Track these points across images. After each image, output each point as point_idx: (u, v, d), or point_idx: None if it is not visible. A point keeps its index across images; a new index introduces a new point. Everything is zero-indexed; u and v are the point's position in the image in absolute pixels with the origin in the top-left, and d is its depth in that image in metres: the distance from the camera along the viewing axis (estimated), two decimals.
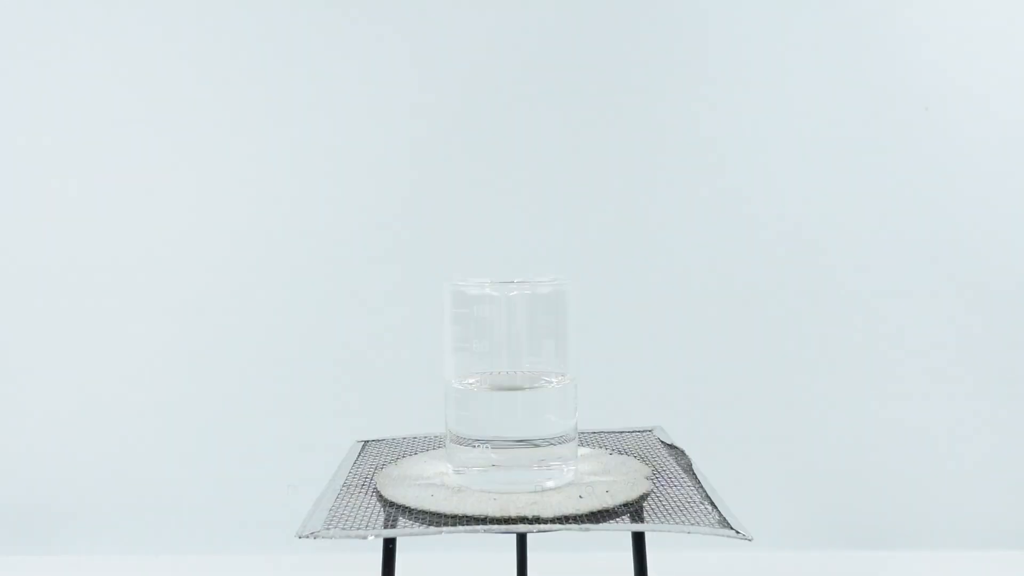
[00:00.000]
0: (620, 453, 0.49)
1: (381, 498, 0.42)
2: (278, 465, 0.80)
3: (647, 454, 0.49)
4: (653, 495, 0.42)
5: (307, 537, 0.37)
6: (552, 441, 0.42)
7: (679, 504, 0.40)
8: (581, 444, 0.51)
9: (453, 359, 0.43)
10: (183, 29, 0.79)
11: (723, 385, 0.81)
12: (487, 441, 0.42)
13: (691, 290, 0.80)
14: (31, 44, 0.79)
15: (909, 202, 0.80)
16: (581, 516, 0.38)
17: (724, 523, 0.37)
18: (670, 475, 0.45)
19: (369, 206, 0.80)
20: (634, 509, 0.39)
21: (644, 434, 0.54)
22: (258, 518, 0.81)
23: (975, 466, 0.80)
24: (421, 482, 0.43)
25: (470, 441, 0.42)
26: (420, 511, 0.39)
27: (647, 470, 0.45)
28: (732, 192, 0.80)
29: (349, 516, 0.39)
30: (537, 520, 0.37)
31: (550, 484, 0.42)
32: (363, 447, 0.52)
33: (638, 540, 0.40)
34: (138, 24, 0.79)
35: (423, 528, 0.37)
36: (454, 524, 0.37)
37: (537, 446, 0.42)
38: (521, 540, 0.55)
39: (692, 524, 0.37)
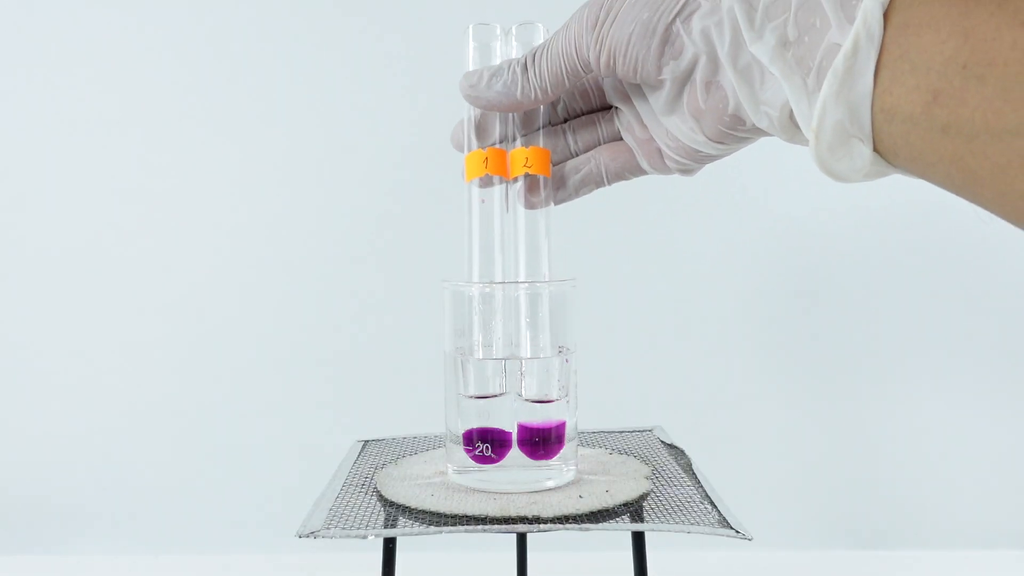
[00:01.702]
0: (620, 453, 0.49)
1: (381, 498, 0.42)
2: (278, 465, 0.80)
3: (647, 454, 0.49)
4: (653, 495, 0.42)
5: (307, 537, 0.37)
6: None
7: (679, 504, 0.40)
8: (581, 444, 0.51)
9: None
10: (180, 31, 0.79)
11: (723, 385, 0.81)
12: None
13: (691, 290, 0.80)
14: (22, 43, 0.79)
15: (910, 202, 0.80)
16: (581, 516, 0.38)
17: (724, 523, 0.37)
18: (670, 475, 0.45)
19: (368, 205, 0.80)
20: (634, 509, 0.39)
21: (644, 434, 0.54)
22: (258, 518, 0.81)
23: (975, 466, 0.80)
24: (421, 482, 0.43)
25: None
26: (420, 511, 0.39)
27: (647, 470, 0.45)
28: (733, 191, 0.80)
29: (349, 516, 0.39)
30: (537, 520, 0.37)
31: (550, 484, 0.42)
32: (363, 447, 0.52)
33: (638, 540, 0.40)
34: (135, 24, 0.79)
35: (423, 528, 0.37)
36: (454, 524, 0.37)
37: None
38: (521, 540, 0.55)
39: (692, 524, 0.37)
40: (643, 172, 0.42)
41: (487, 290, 0.42)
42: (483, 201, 0.43)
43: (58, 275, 0.80)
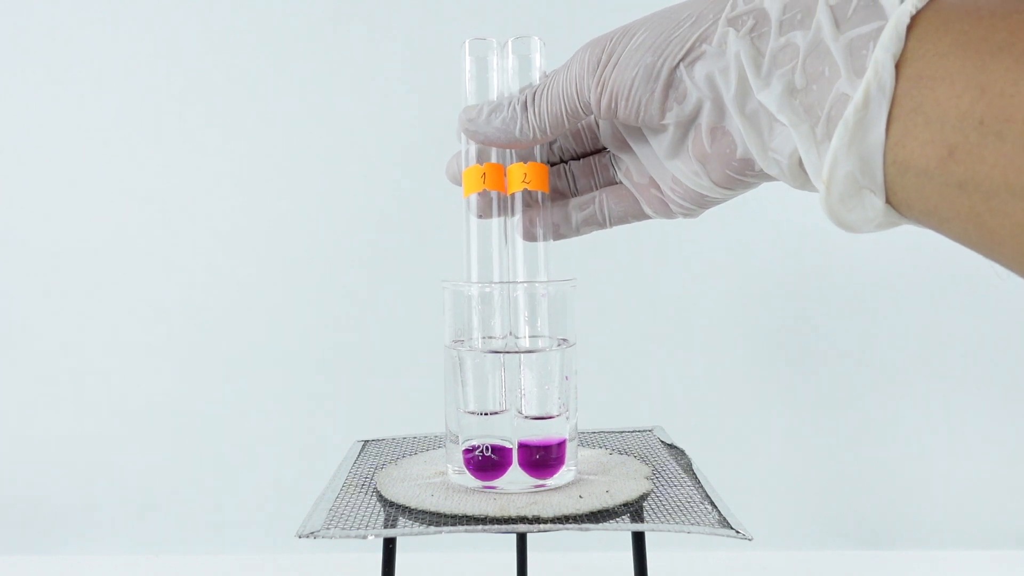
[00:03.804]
0: (620, 453, 0.49)
1: (381, 498, 0.42)
2: (278, 465, 0.80)
3: (647, 454, 0.49)
4: (653, 495, 0.42)
5: (307, 537, 0.37)
6: None
7: (679, 504, 0.40)
8: (581, 444, 0.51)
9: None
10: (182, 36, 0.79)
11: (723, 385, 0.81)
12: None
13: (692, 290, 0.80)
14: (23, 43, 0.79)
15: None
16: (581, 516, 0.38)
17: (724, 523, 0.37)
18: (670, 475, 0.45)
19: (368, 206, 0.80)
20: (634, 509, 0.39)
21: (644, 434, 0.54)
22: (258, 518, 0.81)
23: (975, 466, 0.80)
24: (421, 482, 0.43)
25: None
26: (420, 511, 0.39)
27: (647, 470, 0.45)
28: None
29: (349, 516, 0.39)
30: (537, 520, 0.37)
31: (550, 484, 0.42)
32: (363, 447, 0.52)
33: (638, 540, 0.40)
34: (136, 26, 0.79)
35: (423, 528, 0.37)
36: (454, 524, 0.37)
37: None
38: (521, 540, 0.55)
39: (692, 524, 0.37)
40: (646, 217, 0.42)
41: (487, 290, 0.42)
42: (480, 216, 0.43)
43: (57, 275, 0.80)
